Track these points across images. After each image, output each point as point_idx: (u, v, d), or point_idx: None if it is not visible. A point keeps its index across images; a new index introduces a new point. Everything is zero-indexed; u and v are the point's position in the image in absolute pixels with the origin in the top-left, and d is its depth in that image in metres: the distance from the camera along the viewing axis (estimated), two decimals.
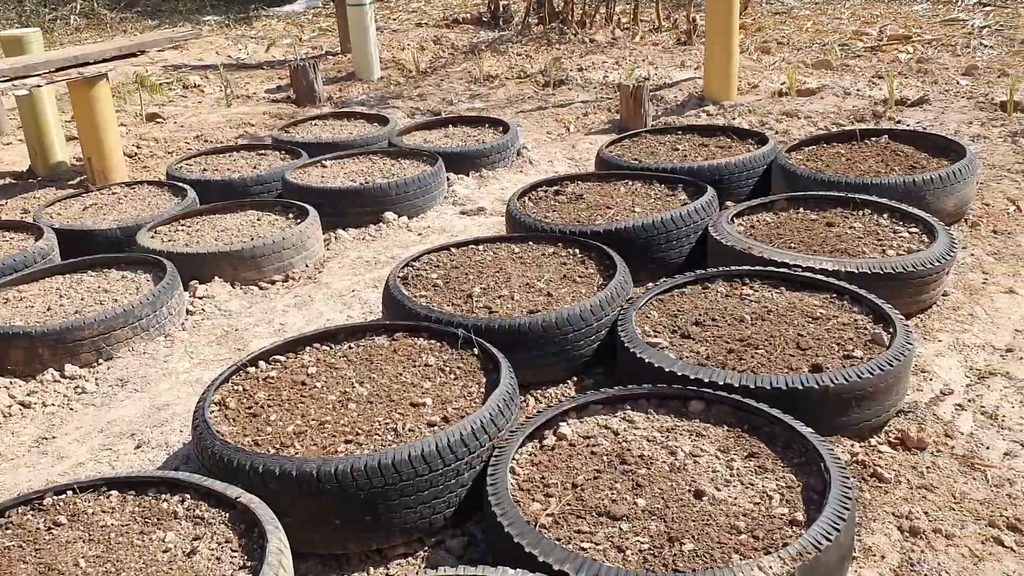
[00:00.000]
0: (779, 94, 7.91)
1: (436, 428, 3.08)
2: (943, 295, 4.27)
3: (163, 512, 2.80)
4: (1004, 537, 2.86)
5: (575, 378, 3.81)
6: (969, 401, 3.54)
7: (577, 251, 4.37)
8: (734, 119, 7.27)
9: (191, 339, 4.56)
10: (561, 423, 3.16)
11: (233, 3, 16.40)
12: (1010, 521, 2.92)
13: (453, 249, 4.54)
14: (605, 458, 2.97)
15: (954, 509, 3.00)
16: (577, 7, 11.35)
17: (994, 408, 3.48)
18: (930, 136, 5.59)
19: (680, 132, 6.13)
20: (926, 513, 2.98)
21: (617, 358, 3.67)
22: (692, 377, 3.27)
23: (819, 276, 3.92)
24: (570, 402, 3.23)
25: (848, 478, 2.75)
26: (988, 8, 10.65)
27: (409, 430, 3.08)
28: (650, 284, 4.16)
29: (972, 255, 4.68)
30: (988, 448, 3.27)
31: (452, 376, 3.41)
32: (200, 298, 4.88)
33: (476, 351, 3.52)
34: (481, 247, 4.54)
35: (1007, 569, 2.73)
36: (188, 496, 2.85)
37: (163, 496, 2.87)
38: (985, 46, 9.04)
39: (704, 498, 2.76)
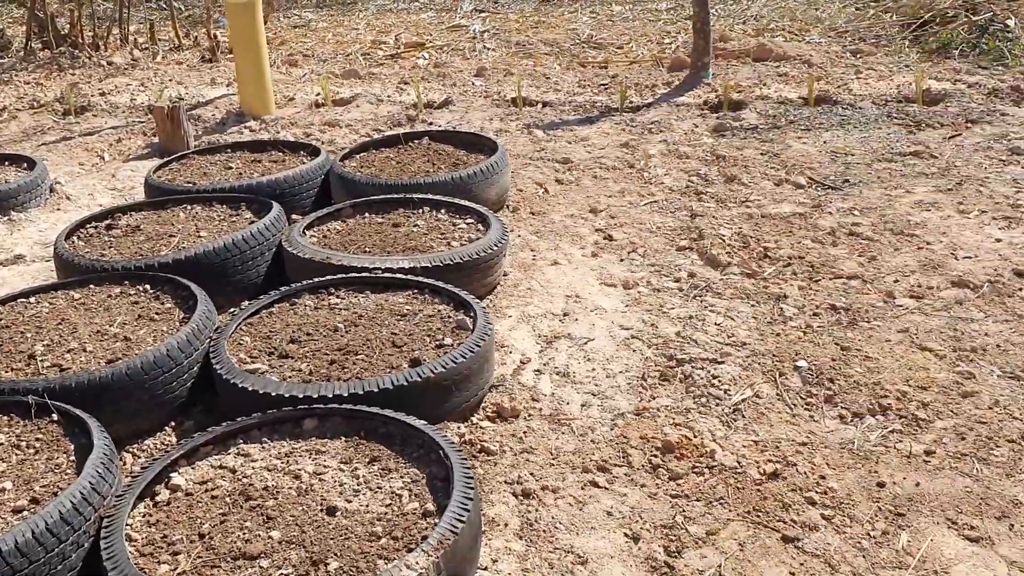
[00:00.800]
0: (316, 105, 8.05)
1: (26, 513, 2.69)
2: (504, 275, 4.70)
3: None
4: (598, 479, 3.25)
5: (173, 423, 3.56)
6: (544, 365, 3.95)
7: (148, 287, 4.07)
8: (279, 132, 7.26)
9: None
10: (172, 474, 2.94)
11: None
12: (599, 464, 3.32)
13: None
14: (228, 499, 2.83)
15: (554, 464, 3.33)
16: (87, 29, 10.47)
17: (565, 367, 3.92)
18: (463, 134, 6.09)
19: (229, 150, 5.98)
20: (532, 474, 3.27)
21: (217, 391, 3.50)
22: (301, 396, 3.23)
23: (398, 275, 4.10)
24: (177, 450, 3.02)
25: (466, 459, 2.92)
26: (484, 15, 11.82)
27: None
28: (234, 309, 4.03)
29: (519, 236, 5.20)
30: (568, 403, 3.68)
31: (32, 451, 3.00)
32: None
33: (55, 416, 3.13)
34: (32, 299, 4.03)
35: (606, 507, 3.11)
36: None
37: None
38: (488, 49, 10.04)
39: (337, 513, 2.76)
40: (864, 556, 2.87)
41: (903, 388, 3.68)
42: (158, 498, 2.85)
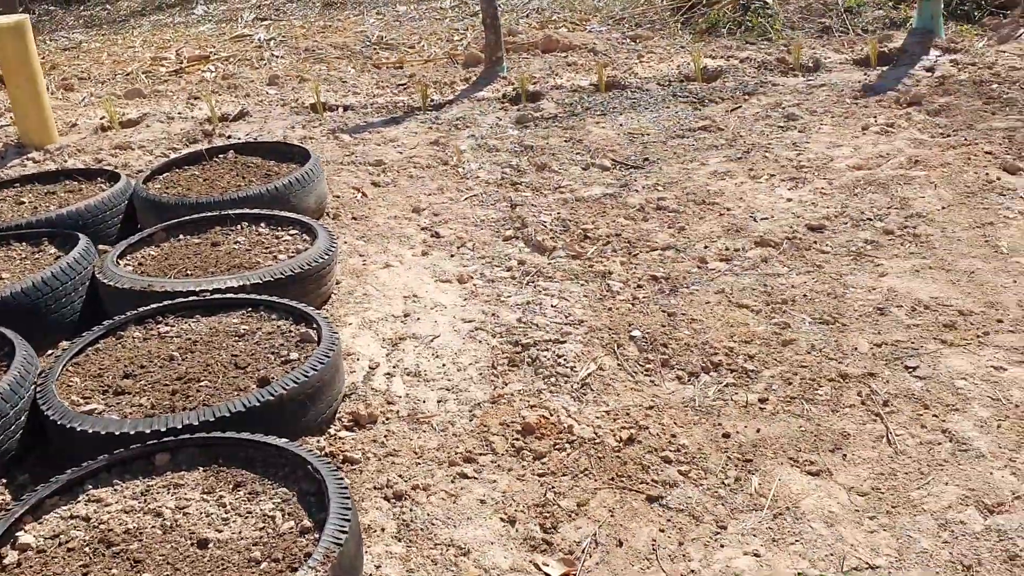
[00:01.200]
0: (102, 129, 7.59)
1: None
2: (337, 283, 4.64)
3: None
4: (466, 470, 3.29)
5: (4, 480, 3.28)
6: (394, 367, 3.94)
7: None
8: (67, 161, 6.79)
9: None
10: (17, 533, 2.73)
11: None
12: (464, 455, 3.36)
13: None
14: (87, 549, 2.66)
15: (420, 463, 3.35)
16: None
17: (415, 367, 3.93)
18: (271, 144, 5.94)
19: (18, 184, 5.52)
20: (400, 476, 3.27)
21: (51, 439, 3.26)
22: (148, 431, 3.08)
23: (228, 295, 3.96)
24: (19, 506, 2.80)
25: (336, 470, 2.89)
26: (267, 22, 11.51)
27: None
28: (54, 351, 3.76)
29: (346, 242, 5.14)
30: (424, 402, 3.70)
31: None
32: None
33: None
34: None
35: (478, 496, 3.16)
36: None
37: None
38: (277, 56, 9.80)
39: (210, 545, 2.66)
40: (723, 504, 3.07)
41: (729, 344, 3.95)
42: (6, 561, 2.64)
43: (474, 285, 4.60)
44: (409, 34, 10.36)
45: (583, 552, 2.91)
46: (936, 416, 3.39)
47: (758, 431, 3.41)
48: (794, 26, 8.88)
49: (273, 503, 2.82)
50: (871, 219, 4.95)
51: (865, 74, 7.34)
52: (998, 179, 5.18)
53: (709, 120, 6.71)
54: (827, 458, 3.24)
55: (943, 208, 4.95)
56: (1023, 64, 6.96)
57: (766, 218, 5.11)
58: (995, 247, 4.49)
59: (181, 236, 4.67)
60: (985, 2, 8.44)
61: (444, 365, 3.92)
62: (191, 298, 3.94)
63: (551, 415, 3.53)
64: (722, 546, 2.90)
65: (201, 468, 2.98)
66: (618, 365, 3.87)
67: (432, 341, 4.10)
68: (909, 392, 3.53)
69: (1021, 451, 3.16)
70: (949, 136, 5.89)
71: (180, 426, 3.09)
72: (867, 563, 2.78)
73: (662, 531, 2.97)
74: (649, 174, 5.86)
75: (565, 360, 3.89)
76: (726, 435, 3.40)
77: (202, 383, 3.40)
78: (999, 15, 8.19)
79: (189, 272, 4.26)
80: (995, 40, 7.62)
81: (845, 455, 3.24)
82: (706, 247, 4.85)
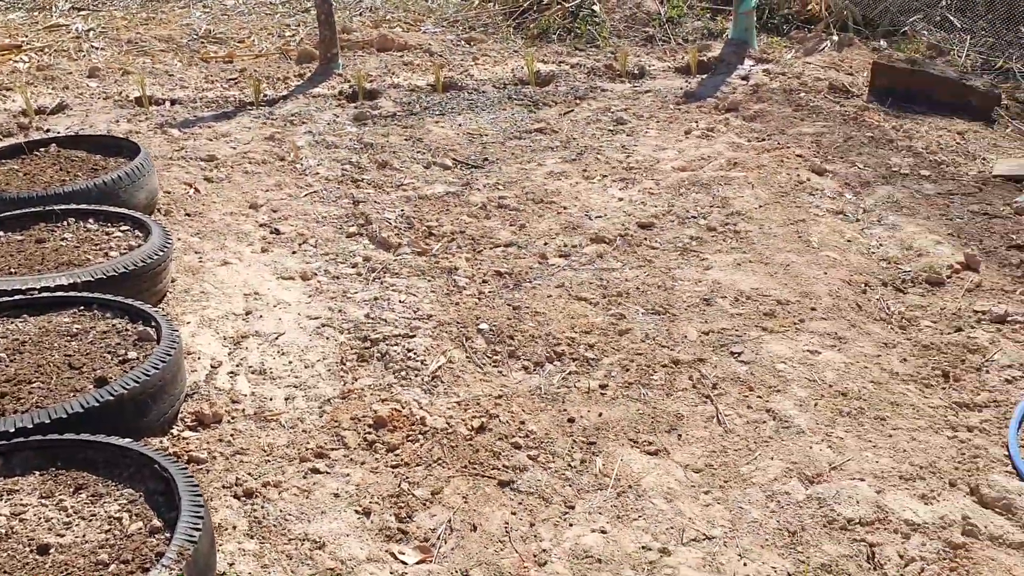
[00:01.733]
0: None
1: None
2: (172, 281, 4.49)
3: None
4: (318, 466, 3.28)
5: None
6: (237, 366, 3.87)
7: None
8: None
9: None
10: None
11: None
12: (316, 451, 3.36)
13: None
14: None
15: (270, 460, 3.31)
16: None
17: (260, 364, 3.87)
18: (96, 137, 5.66)
19: None
20: (250, 474, 3.23)
21: None
22: None
23: (58, 294, 3.77)
24: None
25: (184, 468, 2.83)
26: (84, 12, 10.89)
27: None
28: None
29: (179, 239, 4.97)
30: (271, 399, 3.66)
31: None
32: None
33: None
34: None
35: (332, 490, 3.16)
36: None
37: None
38: (97, 48, 9.31)
39: (51, 551, 2.55)
40: (570, 485, 3.22)
41: (570, 335, 4.12)
42: None
43: (318, 282, 4.57)
44: (238, 28, 10.08)
45: (438, 538, 2.97)
46: (760, 397, 3.66)
47: (600, 415, 3.57)
48: (620, 34, 9.26)
49: (119, 504, 2.72)
50: (695, 217, 5.26)
51: (686, 81, 7.77)
52: (808, 180, 5.63)
53: (544, 123, 6.91)
54: (664, 438, 3.44)
55: (760, 207, 5.33)
56: (826, 75, 7.57)
57: (600, 216, 5.33)
58: (807, 242, 4.88)
59: (1, 233, 4.39)
60: (792, 17, 9.12)
61: (291, 362, 3.88)
62: (17, 297, 3.72)
63: (403, 408, 3.57)
64: (571, 525, 3.04)
65: (38, 472, 2.84)
66: (467, 357, 3.96)
67: (277, 339, 4.05)
68: (735, 375, 3.80)
69: (835, 426, 3.47)
70: (764, 140, 6.33)
71: (12, 429, 2.93)
72: (704, 534, 2.99)
73: (514, 514, 3.08)
74: (489, 173, 5.99)
75: (415, 354, 3.94)
76: (571, 420, 3.55)
77: (34, 385, 3.23)
78: (805, 29, 8.86)
79: (13, 270, 4.02)
80: (802, 52, 8.24)
81: (680, 435, 3.46)
82: (546, 244, 5.01)
